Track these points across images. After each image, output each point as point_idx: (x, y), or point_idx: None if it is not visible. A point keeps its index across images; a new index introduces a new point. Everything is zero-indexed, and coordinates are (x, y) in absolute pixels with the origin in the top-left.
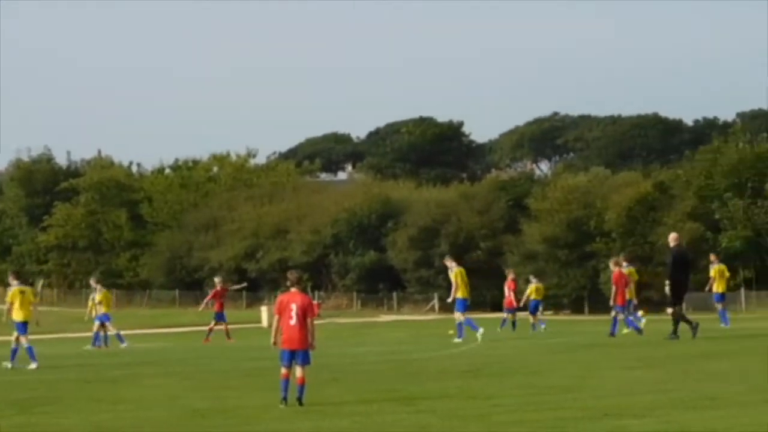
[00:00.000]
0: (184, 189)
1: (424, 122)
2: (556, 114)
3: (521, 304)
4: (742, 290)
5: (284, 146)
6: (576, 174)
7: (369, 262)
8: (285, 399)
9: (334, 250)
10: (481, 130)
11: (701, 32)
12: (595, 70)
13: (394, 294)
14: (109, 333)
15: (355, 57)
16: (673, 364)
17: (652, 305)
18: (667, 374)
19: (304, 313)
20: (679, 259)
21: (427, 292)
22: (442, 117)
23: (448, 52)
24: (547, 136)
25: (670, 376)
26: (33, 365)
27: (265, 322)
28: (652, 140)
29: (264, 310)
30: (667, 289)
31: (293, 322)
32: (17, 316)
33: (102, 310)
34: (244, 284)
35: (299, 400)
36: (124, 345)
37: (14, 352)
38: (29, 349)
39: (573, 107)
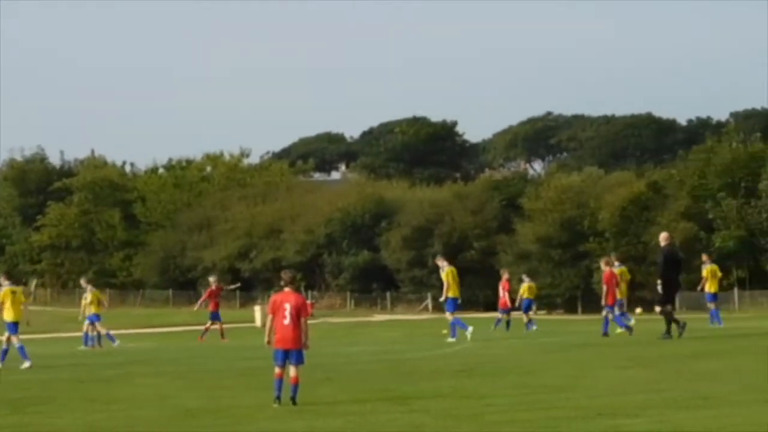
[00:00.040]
0: (177, 189)
1: (418, 122)
2: (549, 114)
3: (516, 304)
4: (736, 290)
5: (278, 146)
6: (569, 174)
7: (362, 262)
8: (278, 398)
9: (328, 249)
10: (475, 129)
11: (695, 32)
12: (588, 70)
13: (388, 294)
14: (98, 333)
15: (348, 57)
16: (666, 363)
17: (646, 304)
18: (660, 374)
19: (298, 313)
20: (670, 259)
21: (421, 292)
22: (435, 117)
23: (441, 52)
24: (540, 135)
25: (663, 375)
26: (26, 364)
27: (258, 322)
28: (645, 140)
29: (257, 310)
30: (659, 288)
31: (287, 321)
32: (8, 316)
33: (92, 310)
34: (238, 285)
35: (293, 399)
36: (116, 344)
37: (5, 352)
38: (21, 349)
39: (566, 107)
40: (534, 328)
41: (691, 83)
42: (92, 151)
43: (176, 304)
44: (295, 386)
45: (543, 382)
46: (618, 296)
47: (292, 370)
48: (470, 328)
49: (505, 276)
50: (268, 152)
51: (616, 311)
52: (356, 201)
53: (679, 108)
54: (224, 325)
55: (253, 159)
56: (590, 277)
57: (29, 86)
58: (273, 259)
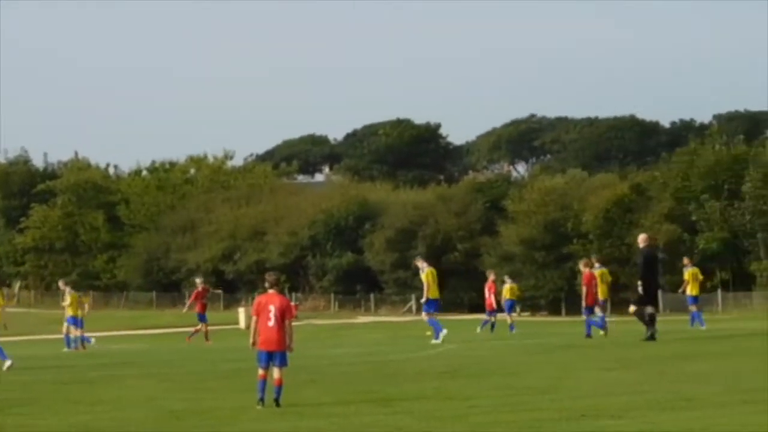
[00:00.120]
0: (161, 191)
1: (402, 124)
2: (533, 116)
3: (498, 306)
4: (719, 292)
5: (261, 148)
6: (553, 176)
7: (346, 264)
8: (262, 400)
9: (312, 251)
10: (459, 131)
11: (678, 34)
12: (571, 72)
13: (372, 295)
14: (73, 335)
15: (332, 59)
16: (650, 365)
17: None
18: (643, 375)
19: (282, 315)
20: (650, 260)
21: (405, 294)
22: (419, 119)
23: (425, 54)
24: (524, 137)
25: (647, 377)
26: (7, 363)
27: (242, 324)
28: (628, 142)
29: (241, 312)
30: (640, 289)
31: (271, 323)
32: None
33: (70, 312)
34: (219, 290)
35: (276, 401)
36: (91, 342)
37: None
38: None
39: (550, 109)
40: (513, 331)
41: (674, 85)
42: (76, 154)
43: (160, 306)
44: (279, 388)
45: (527, 384)
46: (600, 297)
47: (275, 372)
48: (444, 331)
49: (491, 277)
50: (251, 154)
51: (599, 312)
52: (340, 203)
53: (663, 110)
54: (209, 327)
55: (237, 161)
56: (574, 278)
57: (12, 88)
58: (257, 261)
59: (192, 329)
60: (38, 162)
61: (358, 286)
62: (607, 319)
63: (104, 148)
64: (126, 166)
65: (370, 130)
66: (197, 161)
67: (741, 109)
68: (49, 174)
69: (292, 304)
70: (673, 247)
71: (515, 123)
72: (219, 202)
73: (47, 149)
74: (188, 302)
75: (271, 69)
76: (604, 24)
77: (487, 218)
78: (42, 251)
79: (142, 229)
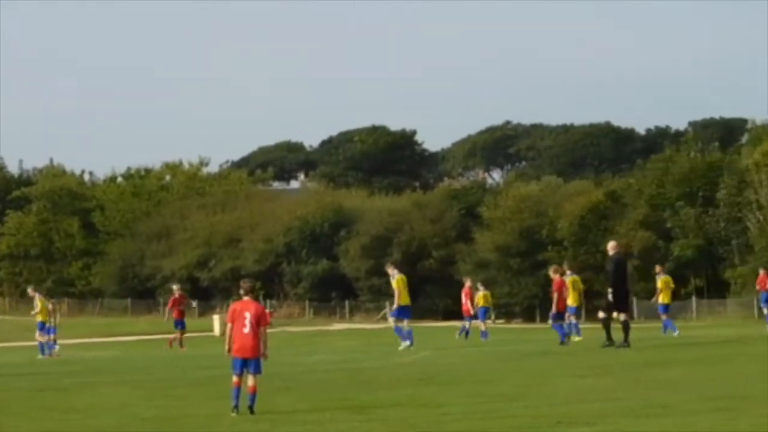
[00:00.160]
0: (136, 197)
1: (377, 131)
2: (508, 123)
3: (473, 312)
4: (694, 299)
5: (237, 155)
6: (528, 183)
7: (321, 271)
8: (236, 407)
9: (287, 258)
10: (434, 138)
11: (653, 42)
12: (546, 79)
13: (347, 302)
14: (37, 340)
15: (307, 66)
16: (624, 372)
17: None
18: (617, 382)
19: (258, 322)
20: (620, 267)
21: (379, 301)
22: (394, 125)
23: (400, 61)
24: (499, 144)
25: (621, 384)
26: None
27: (217, 331)
28: (604, 149)
29: (216, 319)
30: (609, 296)
31: (246, 330)
32: None
33: (39, 318)
34: (194, 304)
35: (250, 408)
36: (55, 349)
37: None
38: None
39: (525, 116)
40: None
41: (649, 92)
42: (51, 160)
43: (135, 313)
44: (253, 395)
45: (500, 391)
46: (572, 305)
47: (250, 380)
48: (407, 343)
49: (467, 284)
50: (227, 161)
51: (572, 319)
52: (315, 210)
53: (638, 117)
54: (185, 335)
55: (213, 168)
56: (548, 285)
57: None
58: (232, 268)
59: (170, 336)
60: (13, 168)
61: (333, 293)
62: (580, 327)
63: (79, 154)
64: (101, 173)
65: (346, 137)
66: (172, 168)
67: (716, 116)
68: (24, 180)
69: (267, 311)
70: (647, 254)
71: (490, 130)
72: (194, 209)
73: (22, 156)
74: (167, 310)
75: (247, 76)
76: (580, 31)
77: (462, 225)
78: (17, 258)
79: (117, 235)
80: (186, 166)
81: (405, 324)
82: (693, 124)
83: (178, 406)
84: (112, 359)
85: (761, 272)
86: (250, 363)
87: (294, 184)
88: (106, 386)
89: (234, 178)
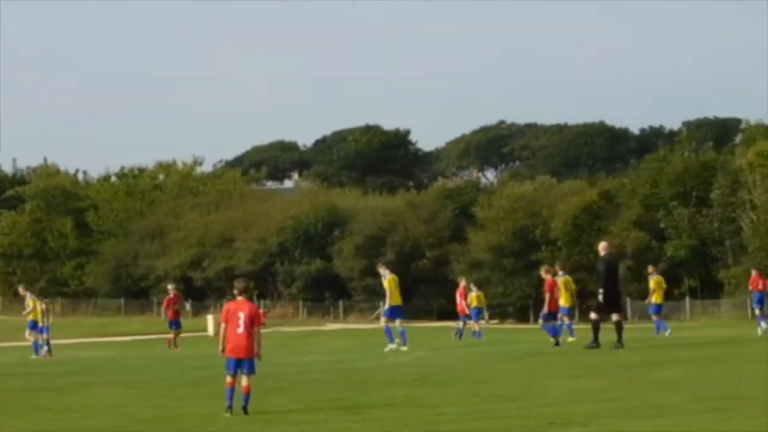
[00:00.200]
0: (129, 197)
1: (371, 130)
2: (502, 122)
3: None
4: (687, 299)
5: (230, 154)
6: (522, 182)
7: (315, 271)
8: (230, 407)
9: (280, 258)
10: (428, 138)
11: (647, 41)
12: (541, 78)
13: (340, 302)
14: (27, 339)
15: (301, 65)
16: (617, 372)
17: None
18: (611, 383)
19: (252, 322)
20: (611, 267)
21: (373, 301)
22: (388, 125)
23: (393, 60)
24: (493, 144)
25: (614, 384)
26: None
27: (211, 331)
28: (598, 149)
29: (210, 319)
30: (600, 297)
31: (240, 330)
32: None
33: (31, 317)
34: (187, 305)
35: (244, 408)
36: (44, 349)
37: None
38: None
39: (519, 116)
40: (479, 338)
41: (643, 92)
42: (45, 159)
43: (128, 313)
44: (247, 395)
45: (494, 391)
46: (564, 305)
47: (243, 380)
48: (393, 345)
49: (462, 284)
50: (220, 160)
51: (566, 320)
52: (309, 209)
53: (632, 117)
54: (179, 335)
55: (206, 167)
56: (542, 286)
57: None
58: (225, 268)
59: (168, 337)
60: (7, 168)
61: (327, 293)
62: (574, 327)
63: (73, 154)
64: (95, 172)
65: (340, 137)
66: (166, 167)
67: (710, 115)
68: (18, 180)
69: (261, 311)
70: (641, 255)
71: (484, 129)
72: (188, 209)
73: (16, 155)
74: (163, 309)
75: (241, 75)
76: (574, 31)
77: (456, 225)
78: (10, 258)
79: (110, 235)
80: (180, 165)
81: (398, 324)
82: (687, 124)
83: (172, 406)
84: (106, 359)
85: (753, 273)
86: (243, 363)
87: (288, 184)
88: (101, 386)
89: (228, 178)
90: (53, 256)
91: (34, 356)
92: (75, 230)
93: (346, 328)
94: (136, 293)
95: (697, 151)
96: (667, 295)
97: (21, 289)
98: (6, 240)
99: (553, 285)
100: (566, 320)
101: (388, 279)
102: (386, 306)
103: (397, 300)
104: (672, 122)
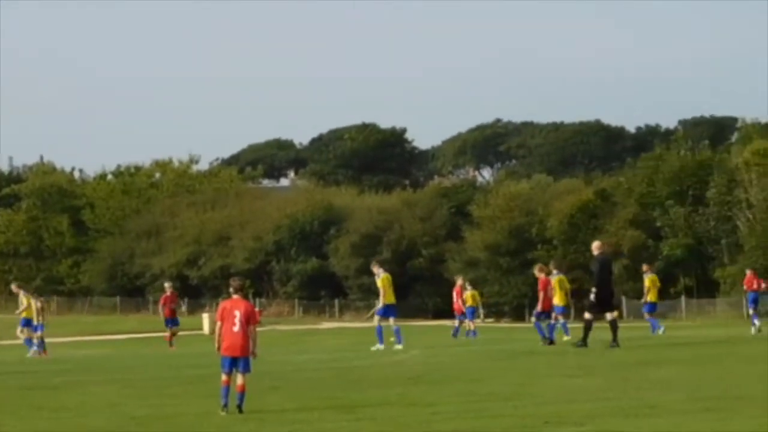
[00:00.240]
0: (126, 195)
1: (367, 128)
2: (498, 121)
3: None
4: (683, 298)
5: (227, 152)
6: (518, 181)
7: (311, 269)
8: (226, 406)
9: (276, 256)
10: (424, 136)
11: (642, 39)
12: (537, 77)
13: (336, 301)
14: (18, 334)
15: (297, 64)
16: (613, 371)
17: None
18: (607, 382)
19: (248, 320)
20: (605, 267)
21: (369, 299)
22: (384, 123)
23: (390, 59)
24: (489, 142)
25: (610, 384)
26: None
27: (206, 329)
28: (594, 147)
29: (205, 317)
30: (592, 296)
31: (236, 328)
32: None
33: (24, 314)
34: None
35: (239, 407)
36: (33, 348)
37: None
38: None
39: (515, 114)
40: (473, 336)
41: (640, 91)
42: (41, 158)
43: (124, 311)
44: (242, 394)
45: (490, 390)
46: (558, 303)
47: (238, 378)
48: (380, 346)
49: (459, 282)
50: (217, 159)
51: (560, 319)
52: (305, 208)
53: (628, 115)
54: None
55: (202, 165)
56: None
57: None
58: (221, 266)
59: (166, 335)
60: (3, 165)
61: (323, 291)
62: (569, 326)
63: (69, 152)
64: (91, 170)
65: (336, 135)
66: (162, 165)
67: (706, 114)
68: (14, 178)
69: (257, 309)
70: (637, 254)
71: (481, 128)
72: (184, 207)
73: (12, 153)
74: (160, 307)
75: (237, 73)
76: (570, 30)
77: (452, 223)
78: (6, 256)
79: (106, 233)
80: (176, 163)
81: (392, 322)
82: (683, 123)
83: (167, 404)
84: (102, 358)
85: (748, 273)
86: (239, 362)
87: (284, 182)
88: (96, 385)
89: (224, 176)
90: (49, 254)
91: (29, 354)
92: (71, 228)
93: (341, 326)
94: (132, 291)
95: (693, 149)
96: (662, 294)
97: (14, 287)
98: (2, 238)
99: (547, 284)
100: (561, 319)
101: (381, 278)
102: (379, 305)
103: (391, 299)
104: (668, 121)
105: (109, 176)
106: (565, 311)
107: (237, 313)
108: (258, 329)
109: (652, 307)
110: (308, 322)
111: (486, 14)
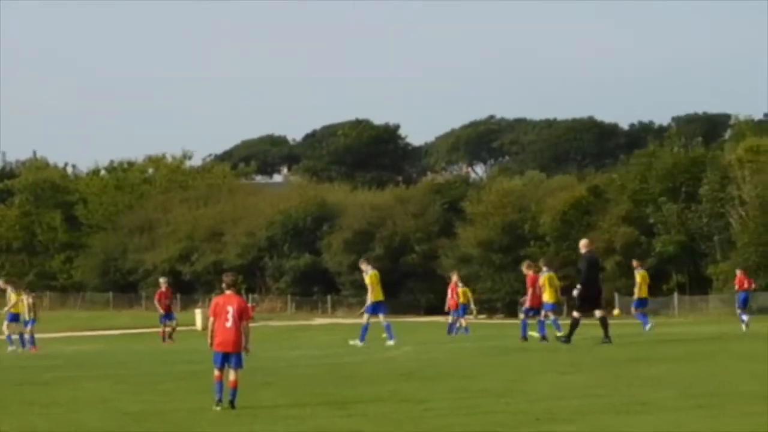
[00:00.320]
0: (119, 191)
1: (360, 125)
2: (491, 117)
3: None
4: (675, 295)
5: (220, 148)
6: (511, 177)
7: (304, 265)
8: (220, 401)
9: (269, 252)
10: (417, 133)
11: (635, 36)
12: (530, 73)
13: (329, 297)
14: (4, 333)
15: (290, 60)
16: (605, 368)
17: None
18: (598, 379)
19: (240, 316)
20: (593, 264)
21: (362, 296)
22: (378, 120)
23: (384, 55)
24: (482, 139)
25: (602, 380)
26: None
27: (199, 325)
28: (587, 144)
29: (198, 313)
30: (575, 292)
31: (229, 324)
32: None
33: (12, 309)
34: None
35: (231, 403)
36: (10, 349)
37: None
38: None
39: (509, 110)
40: (466, 333)
41: (633, 88)
42: (34, 153)
43: (117, 306)
44: (234, 390)
45: (482, 387)
46: (548, 300)
47: (231, 374)
48: (360, 343)
49: (454, 278)
50: (210, 154)
51: (551, 316)
52: (298, 204)
53: (621, 112)
54: (167, 329)
55: (195, 161)
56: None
57: None
58: (214, 261)
59: (166, 330)
60: None
61: (315, 287)
62: (560, 323)
63: (62, 147)
64: (84, 166)
65: (329, 131)
66: (155, 161)
67: (699, 111)
68: (7, 173)
69: (249, 305)
70: (629, 250)
71: (474, 124)
72: (177, 203)
73: (5, 148)
74: (156, 303)
75: (231, 69)
76: (563, 27)
77: (445, 220)
78: None
79: (99, 229)
80: (169, 159)
81: (382, 318)
82: (676, 120)
83: (160, 400)
84: (94, 353)
85: (738, 273)
86: (231, 357)
87: (277, 178)
88: (88, 380)
89: (217, 172)
90: (42, 249)
91: (21, 349)
92: (64, 224)
93: (334, 322)
94: (124, 287)
95: (686, 146)
96: (654, 291)
97: (1, 283)
98: None
99: (535, 280)
100: (551, 316)
101: (369, 275)
102: (368, 303)
103: (379, 296)
104: (661, 118)
105: (102, 172)
106: (555, 308)
107: (230, 309)
108: (251, 325)
109: (642, 303)
110: (301, 318)
111: (482, 13)
